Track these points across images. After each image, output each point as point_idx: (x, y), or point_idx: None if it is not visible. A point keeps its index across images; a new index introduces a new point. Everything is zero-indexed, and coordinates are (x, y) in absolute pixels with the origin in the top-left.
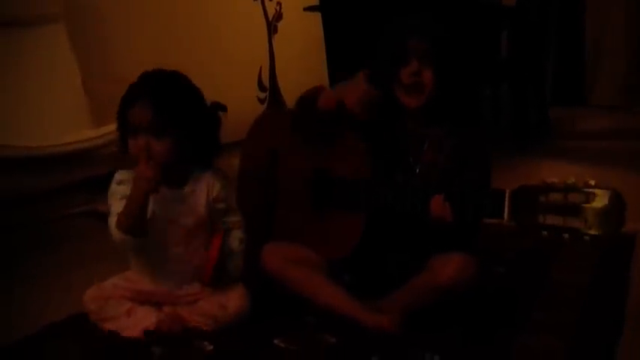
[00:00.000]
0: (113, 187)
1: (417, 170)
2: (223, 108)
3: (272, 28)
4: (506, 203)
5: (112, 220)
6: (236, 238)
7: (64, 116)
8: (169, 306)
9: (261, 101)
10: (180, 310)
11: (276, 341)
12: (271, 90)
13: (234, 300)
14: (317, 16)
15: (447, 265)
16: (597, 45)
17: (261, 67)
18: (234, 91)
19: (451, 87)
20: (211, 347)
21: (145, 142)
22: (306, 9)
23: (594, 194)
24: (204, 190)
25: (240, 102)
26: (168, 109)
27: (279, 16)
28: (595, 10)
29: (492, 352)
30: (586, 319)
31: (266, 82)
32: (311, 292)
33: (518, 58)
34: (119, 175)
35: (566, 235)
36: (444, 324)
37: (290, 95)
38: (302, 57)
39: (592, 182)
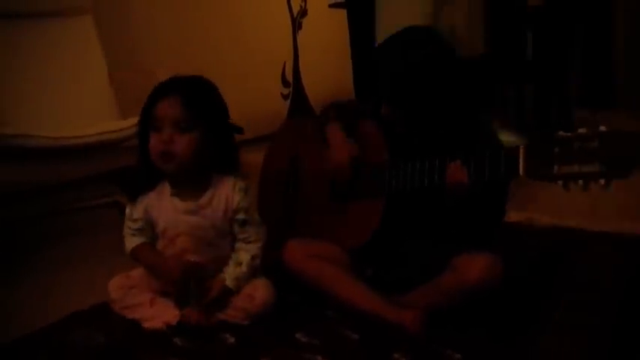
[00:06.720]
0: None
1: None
2: (239, 130)
3: (297, 24)
4: (521, 159)
5: (127, 232)
6: (248, 253)
7: (90, 107)
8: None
9: (285, 97)
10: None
11: (297, 335)
12: (295, 86)
13: (260, 290)
14: (342, 13)
15: (472, 266)
16: (630, 45)
17: (285, 63)
18: (258, 86)
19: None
20: (233, 340)
21: (170, 136)
22: (331, 5)
23: (606, 139)
24: (222, 201)
25: (263, 98)
26: (196, 105)
27: (303, 12)
28: (628, 10)
29: (514, 352)
30: (609, 321)
31: (290, 78)
32: (333, 287)
33: (543, 60)
34: (129, 209)
35: (580, 182)
36: (466, 323)
37: (314, 91)
38: (326, 53)
39: (603, 128)
